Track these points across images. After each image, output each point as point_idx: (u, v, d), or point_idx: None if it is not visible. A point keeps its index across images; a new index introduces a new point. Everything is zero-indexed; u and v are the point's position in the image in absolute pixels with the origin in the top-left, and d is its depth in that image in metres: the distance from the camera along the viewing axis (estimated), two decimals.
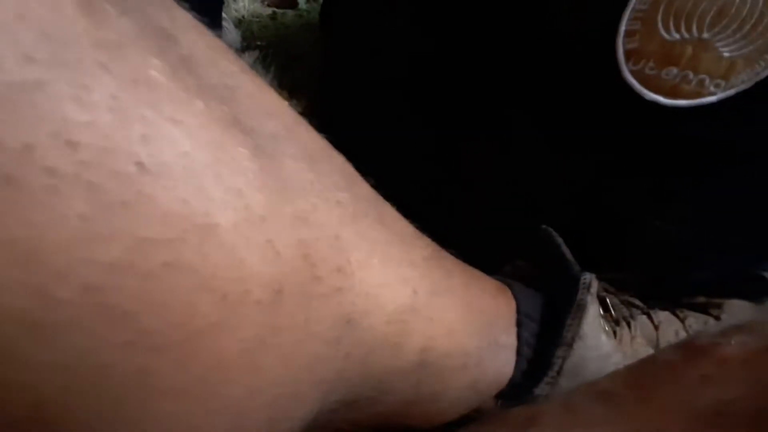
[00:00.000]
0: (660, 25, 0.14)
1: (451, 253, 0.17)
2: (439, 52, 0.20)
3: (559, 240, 0.19)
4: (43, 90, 0.07)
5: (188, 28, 0.10)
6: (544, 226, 0.19)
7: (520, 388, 0.18)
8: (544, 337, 0.18)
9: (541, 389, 0.17)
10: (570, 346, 0.17)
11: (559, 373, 0.17)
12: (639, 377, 0.15)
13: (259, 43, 0.39)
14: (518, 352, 0.18)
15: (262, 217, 0.09)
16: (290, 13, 0.44)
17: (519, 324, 0.18)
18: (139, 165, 0.07)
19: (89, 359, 0.07)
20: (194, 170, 0.08)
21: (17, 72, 0.07)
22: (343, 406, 0.13)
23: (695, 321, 0.19)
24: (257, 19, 0.42)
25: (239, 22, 0.41)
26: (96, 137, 0.07)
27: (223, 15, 0.38)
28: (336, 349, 0.12)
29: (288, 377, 0.10)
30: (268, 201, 0.09)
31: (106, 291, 0.07)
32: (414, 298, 0.14)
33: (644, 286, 0.20)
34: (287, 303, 0.10)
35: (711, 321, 0.19)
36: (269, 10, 0.43)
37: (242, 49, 0.37)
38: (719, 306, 0.19)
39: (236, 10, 0.42)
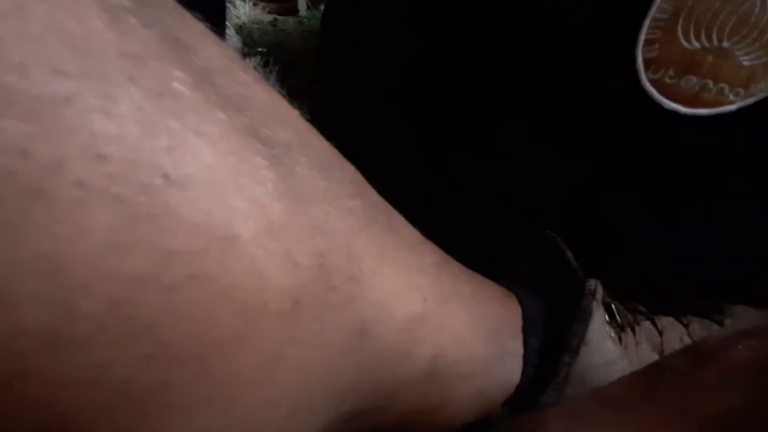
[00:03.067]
0: (680, 34, 0.14)
1: (456, 259, 0.17)
2: (439, 58, 0.20)
3: (563, 245, 0.19)
4: (72, 103, 0.07)
5: (203, 38, 0.10)
6: (548, 232, 0.20)
7: (527, 394, 0.18)
8: (550, 344, 0.18)
9: (547, 396, 0.17)
10: (576, 352, 0.17)
11: (565, 379, 0.17)
12: (646, 383, 0.15)
13: (259, 49, 0.39)
14: (524, 359, 0.18)
15: (280, 227, 0.09)
16: (291, 19, 0.44)
17: (525, 330, 0.18)
18: (165, 177, 0.07)
19: (110, 373, 0.07)
20: (217, 181, 0.08)
21: (47, 85, 0.07)
22: (354, 416, 0.13)
23: (699, 326, 0.19)
24: (258, 26, 0.42)
25: (240, 29, 0.41)
26: (123, 150, 0.07)
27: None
28: (349, 358, 0.12)
29: (304, 388, 0.10)
30: (286, 211, 0.09)
31: (130, 304, 0.07)
32: (424, 305, 0.14)
33: (647, 292, 0.20)
34: (304, 313, 0.10)
35: (715, 326, 0.19)
36: (270, 17, 0.44)
37: (243, 55, 0.37)
38: (723, 311, 0.20)
39: (237, 17, 0.43)
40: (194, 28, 0.10)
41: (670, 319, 0.19)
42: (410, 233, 0.15)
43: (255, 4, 0.44)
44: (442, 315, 0.15)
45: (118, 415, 0.08)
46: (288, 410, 0.10)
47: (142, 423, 0.08)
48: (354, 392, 0.12)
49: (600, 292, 0.18)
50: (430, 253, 0.16)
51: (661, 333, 0.19)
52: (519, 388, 0.17)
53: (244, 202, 0.08)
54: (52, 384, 0.07)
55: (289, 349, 0.09)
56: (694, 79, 0.14)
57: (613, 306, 0.19)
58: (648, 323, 0.19)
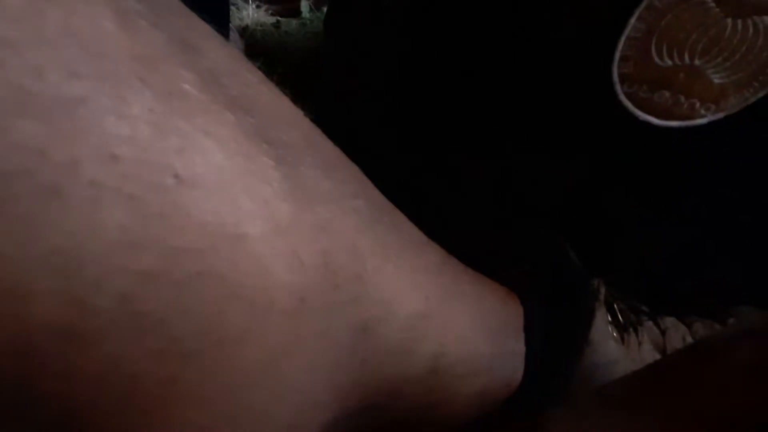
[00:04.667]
0: (653, 52, 0.14)
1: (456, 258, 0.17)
2: (438, 61, 0.21)
3: (566, 245, 0.19)
4: (86, 104, 0.07)
5: (210, 39, 0.11)
6: (550, 231, 0.20)
7: (529, 394, 0.18)
8: (552, 344, 0.18)
9: (549, 395, 0.17)
10: (578, 352, 0.17)
11: (567, 379, 0.18)
12: (648, 383, 0.15)
13: (263, 50, 0.39)
14: (526, 358, 0.18)
15: (287, 226, 0.09)
16: (294, 21, 0.44)
17: (527, 330, 0.18)
18: (176, 176, 0.07)
19: (121, 368, 0.07)
20: (225, 181, 0.08)
21: (63, 87, 0.07)
22: (358, 413, 0.13)
23: (702, 326, 0.19)
24: (261, 28, 0.42)
25: (244, 30, 0.42)
26: (135, 150, 0.07)
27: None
28: (353, 356, 0.12)
29: (309, 385, 0.10)
30: (292, 210, 0.09)
31: (141, 299, 0.07)
32: (426, 304, 0.14)
33: (650, 292, 0.20)
34: (309, 311, 0.10)
35: (718, 327, 0.19)
36: (273, 19, 0.44)
37: (246, 57, 0.37)
38: (726, 312, 0.20)
39: (240, 19, 0.43)
40: (201, 30, 0.11)
41: (673, 319, 0.20)
42: (413, 233, 0.15)
43: (258, 6, 0.45)
44: (444, 314, 0.15)
45: (128, 409, 0.08)
46: (293, 406, 0.10)
47: (151, 417, 0.08)
48: (358, 389, 0.12)
49: (602, 292, 0.18)
50: (432, 253, 0.16)
51: (663, 333, 0.19)
52: (521, 387, 0.17)
53: (252, 202, 0.08)
54: (65, 378, 0.07)
55: (295, 347, 0.10)
56: (667, 93, 0.15)
57: (615, 306, 0.19)
58: (650, 323, 0.19)
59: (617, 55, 0.14)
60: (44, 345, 0.07)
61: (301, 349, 0.10)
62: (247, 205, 0.08)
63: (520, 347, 0.18)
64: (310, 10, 0.46)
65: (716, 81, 0.15)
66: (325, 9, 0.43)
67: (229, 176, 0.08)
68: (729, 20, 0.14)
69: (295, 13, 0.46)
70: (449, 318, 0.15)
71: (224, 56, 0.11)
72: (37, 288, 0.07)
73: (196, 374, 0.08)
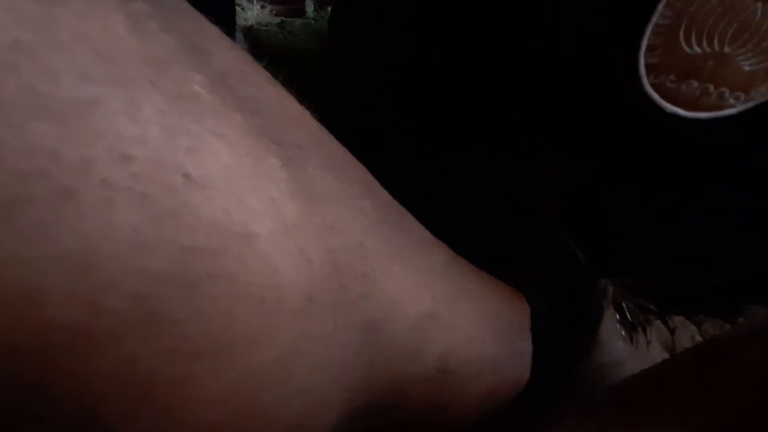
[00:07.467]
0: (682, 39, 0.14)
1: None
2: (443, 61, 0.21)
3: (573, 245, 0.19)
4: (99, 107, 0.07)
5: (218, 41, 0.11)
6: (558, 231, 0.20)
7: (536, 393, 0.18)
8: (560, 343, 0.18)
9: (557, 395, 0.17)
10: (586, 351, 0.17)
11: (575, 379, 0.17)
12: (656, 383, 0.15)
13: (267, 51, 0.39)
14: (534, 358, 0.18)
15: (294, 225, 0.09)
16: (298, 21, 0.44)
17: (534, 329, 0.18)
18: (186, 176, 0.08)
19: (134, 367, 0.08)
20: (234, 181, 0.08)
21: (75, 90, 0.07)
22: (366, 412, 0.13)
23: (711, 326, 0.19)
24: (266, 28, 0.42)
25: (248, 31, 0.42)
26: (147, 151, 0.07)
27: None
28: (361, 355, 0.12)
29: (317, 384, 0.10)
30: (299, 210, 0.09)
31: (153, 299, 0.07)
32: (434, 304, 0.14)
33: (658, 290, 0.20)
34: (317, 310, 0.10)
35: (727, 326, 0.19)
36: (278, 19, 0.44)
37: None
38: (735, 311, 0.19)
39: (245, 19, 0.43)
40: (210, 32, 0.11)
41: (682, 318, 0.19)
42: (420, 232, 0.15)
43: (263, 7, 0.45)
44: (451, 314, 0.15)
45: (143, 408, 0.08)
46: (302, 405, 0.10)
47: (163, 415, 0.08)
48: (366, 388, 0.12)
49: (610, 291, 0.18)
50: (439, 253, 0.16)
51: (672, 332, 0.19)
52: (528, 387, 0.17)
53: (260, 201, 0.08)
54: (82, 378, 0.07)
55: (304, 346, 0.10)
56: (695, 83, 0.14)
57: (624, 305, 0.19)
58: (659, 322, 0.19)
59: (644, 44, 0.14)
60: (60, 345, 0.07)
61: (309, 348, 0.10)
62: (255, 205, 0.08)
63: (528, 347, 0.18)
64: (315, 9, 0.46)
65: (746, 68, 0.14)
66: (329, 9, 0.43)
67: (237, 176, 0.08)
68: (759, 4, 0.13)
69: (300, 13, 0.46)
70: (456, 318, 0.15)
71: (232, 58, 0.11)
72: (52, 289, 0.07)
73: (208, 373, 0.08)
